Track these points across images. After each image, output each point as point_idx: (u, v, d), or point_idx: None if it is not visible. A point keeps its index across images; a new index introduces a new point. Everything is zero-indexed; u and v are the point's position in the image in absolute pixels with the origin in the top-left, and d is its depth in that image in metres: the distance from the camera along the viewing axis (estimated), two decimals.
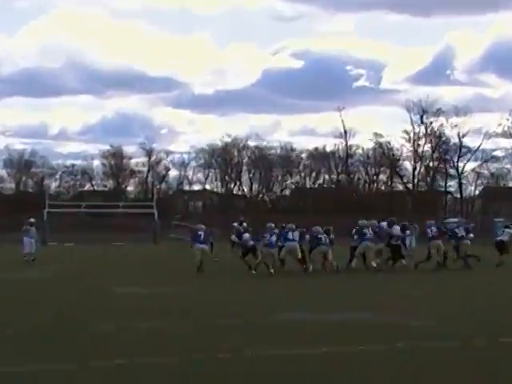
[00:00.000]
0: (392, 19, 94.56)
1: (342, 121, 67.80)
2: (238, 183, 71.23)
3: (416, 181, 66.03)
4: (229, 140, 70.20)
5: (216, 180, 71.75)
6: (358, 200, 64.85)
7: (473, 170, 65.09)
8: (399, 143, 65.82)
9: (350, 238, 21.24)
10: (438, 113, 63.41)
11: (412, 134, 64.96)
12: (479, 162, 64.29)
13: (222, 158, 70.77)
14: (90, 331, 9.66)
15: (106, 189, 71.61)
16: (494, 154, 63.74)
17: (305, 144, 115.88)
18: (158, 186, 67.81)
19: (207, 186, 72.50)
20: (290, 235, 19.85)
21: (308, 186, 71.06)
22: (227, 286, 16.63)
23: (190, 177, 72.48)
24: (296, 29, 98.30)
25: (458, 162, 64.43)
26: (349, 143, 68.49)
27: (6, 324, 10.30)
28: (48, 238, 39.37)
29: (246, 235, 20.85)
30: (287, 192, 72.65)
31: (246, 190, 71.29)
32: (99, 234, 44.43)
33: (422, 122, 64.53)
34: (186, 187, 73.35)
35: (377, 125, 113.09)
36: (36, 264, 23.55)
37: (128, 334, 9.51)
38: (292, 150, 70.77)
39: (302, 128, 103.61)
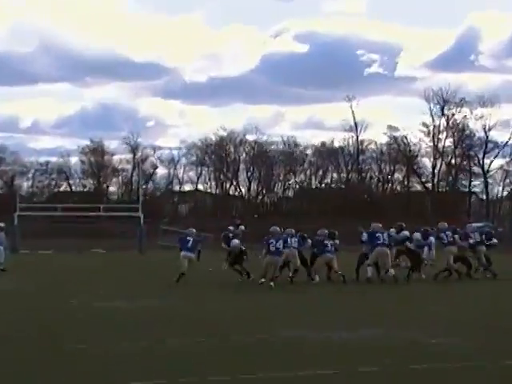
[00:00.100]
0: None
1: (353, 112, 68.06)
2: (234, 183, 71.28)
3: (436, 180, 66.13)
4: (224, 134, 70.45)
5: (210, 179, 71.93)
6: (370, 202, 64.89)
7: (500, 167, 65.23)
8: (417, 137, 66.09)
9: (360, 244, 21.24)
10: (461, 103, 63.66)
11: (431, 128, 65.24)
12: (507, 159, 64.44)
13: (217, 155, 70.84)
14: (65, 353, 9.58)
15: (86, 189, 71.65)
16: None
17: (310, 138, 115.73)
18: (144, 186, 67.84)
19: (200, 187, 72.69)
20: (288, 241, 19.98)
21: (314, 186, 71.17)
22: (221, 299, 16.58)
23: (180, 176, 72.62)
24: (300, 8, 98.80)
25: (483, 158, 64.60)
26: (360, 137, 68.73)
27: None
28: (19, 245, 39.27)
29: (236, 241, 20.82)
30: (290, 193, 72.78)
31: (243, 190, 71.44)
32: (77, 241, 44.38)
33: (442, 114, 64.76)
34: (176, 187, 73.50)
35: (391, 117, 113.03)
36: (5, 275, 23.50)
37: (110, 355, 9.44)
38: (296, 145, 70.98)
39: (307, 120, 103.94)
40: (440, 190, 66.17)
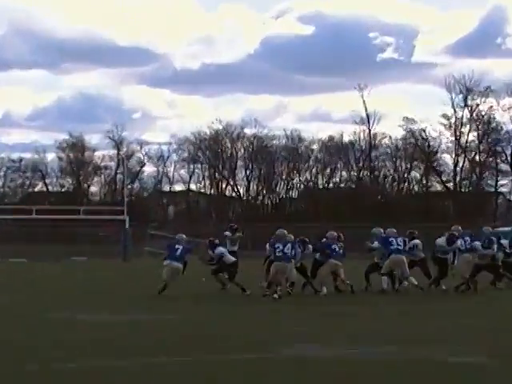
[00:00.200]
0: None
1: (364, 102, 68.15)
2: (231, 182, 71.35)
3: (458, 179, 66.16)
4: (220, 127, 70.51)
5: (203, 178, 72.01)
6: (383, 204, 64.97)
7: None
8: (437, 131, 66.13)
9: (368, 253, 21.36)
10: (487, 92, 63.70)
11: (453, 120, 65.26)
12: None
13: (212, 151, 70.91)
14: (47, 373, 9.65)
15: (64, 189, 71.71)
16: None
17: (316, 132, 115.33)
18: (129, 186, 67.87)
19: (192, 186, 72.73)
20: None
21: (320, 185, 71.22)
22: (214, 312, 16.65)
23: (170, 174, 72.69)
24: None
25: (511, 154, 64.56)
26: (372, 131, 68.80)
27: None
28: None
29: (221, 249, 20.83)
30: (294, 194, 72.83)
31: (241, 190, 71.51)
32: (54, 247, 44.46)
33: (465, 105, 64.75)
34: (166, 187, 73.56)
35: (408, 108, 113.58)
36: None
37: (96, 376, 9.50)
38: (300, 139, 71.05)
39: (313, 112, 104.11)
40: (463, 190, 66.23)
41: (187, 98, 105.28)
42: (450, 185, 66.74)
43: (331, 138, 70.62)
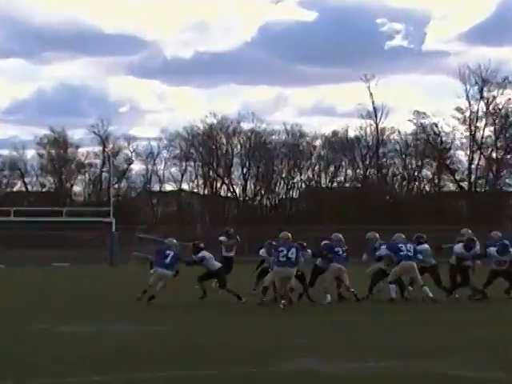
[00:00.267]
0: None
1: (371, 95, 68.21)
2: (226, 181, 71.41)
3: (473, 178, 66.25)
4: (214, 121, 70.56)
5: (196, 177, 72.04)
6: (392, 204, 65.06)
7: None
8: (450, 126, 66.18)
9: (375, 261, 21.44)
10: (504, 83, 63.81)
11: (468, 113, 65.31)
12: None
13: (205, 147, 70.96)
14: None
15: (45, 189, 71.76)
16: None
17: (319, 127, 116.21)
18: (116, 186, 67.94)
19: (184, 186, 72.77)
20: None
21: (323, 184, 71.32)
22: (209, 323, 16.67)
23: (160, 173, 72.75)
24: None
25: None
26: (380, 126, 68.89)
27: None
28: None
29: (204, 253, 20.73)
30: (295, 193, 72.92)
31: (237, 190, 71.57)
32: (35, 252, 44.41)
33: (481, 97, 64.85)
34: (156, 187, 73.61)
35: (418, 100, 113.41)
36: None
37: None
38: (301, 135, 71.15)
39: (315, 105, 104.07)
40: (478, 189, 66.32)
41: (179, 90, 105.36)
42: (465, 184, 66.86)
43: (335, 134, 70.86)
